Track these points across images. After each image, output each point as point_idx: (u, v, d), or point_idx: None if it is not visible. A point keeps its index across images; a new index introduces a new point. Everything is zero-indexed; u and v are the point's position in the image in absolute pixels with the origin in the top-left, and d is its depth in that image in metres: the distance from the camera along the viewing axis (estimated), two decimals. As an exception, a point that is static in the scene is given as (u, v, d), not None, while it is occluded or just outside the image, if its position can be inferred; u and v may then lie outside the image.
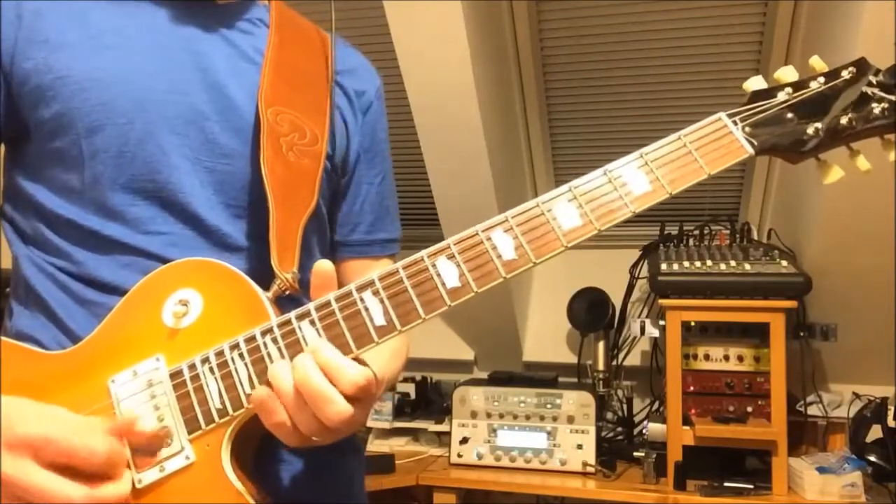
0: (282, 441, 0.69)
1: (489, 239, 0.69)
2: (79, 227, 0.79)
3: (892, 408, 1.90)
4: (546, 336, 2.48)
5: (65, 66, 0.78)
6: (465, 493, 2.00)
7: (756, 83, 0.75)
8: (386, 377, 0.80)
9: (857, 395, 2.05)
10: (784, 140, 0.71)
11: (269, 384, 0.67)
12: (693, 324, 1.93)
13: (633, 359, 2.33)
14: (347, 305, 0.69)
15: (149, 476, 0.68)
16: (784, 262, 1.91)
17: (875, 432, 1.91)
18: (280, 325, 0.69)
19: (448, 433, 2.13)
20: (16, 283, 0.84)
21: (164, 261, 0.77)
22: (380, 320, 0.68)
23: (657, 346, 2.22)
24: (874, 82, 0.73)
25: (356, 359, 0.68)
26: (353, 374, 0.65)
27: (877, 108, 0.71)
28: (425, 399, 2.42)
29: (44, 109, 0.78)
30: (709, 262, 1.94)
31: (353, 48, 0.98)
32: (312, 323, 0.69)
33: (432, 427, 2.25)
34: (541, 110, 2.31)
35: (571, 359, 2.39)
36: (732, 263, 1.92)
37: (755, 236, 2.22)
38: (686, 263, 1.95)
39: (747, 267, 1.90)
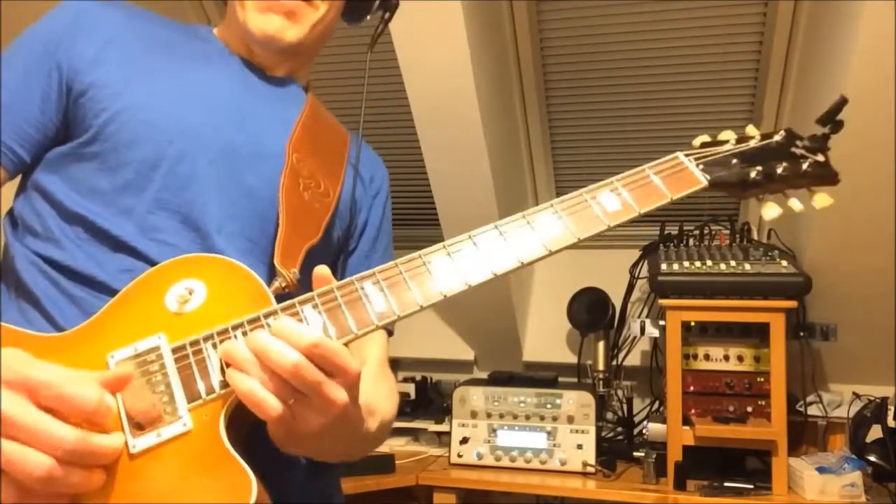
0: (273, 433, 0.69)
1: (484, 243, 0.78)
2: (91, 224, 0.82)
3: (892, 408, 1.90)
4: (546, 336, 2.48)
5: (122, 84, 0.86)
6: (465, 493, 2.00)
7: (702, 139, 0.91)
8: (377, 409, 0.85)
9: (857, 395, 2.05)
10: (731, 178, 0.86)
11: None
12: (693, 324, 1.93)
13: (633, 359, 2.33)
14: (349, 293, 0.73)
15: (145, 441, 0.68)
16: (784, 262, 1.91)
17: (875, 432, 1.91)
18: (284, 309, 0.72)
19: (448, 433, 2.13)
20: (6, 278, 0.86)
21: None
22: (380, 307, 0.72)
23: (657, 346, 2.22)
24: (800, 145, 0.90)
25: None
26: (301, 330, 0.66)
27: (805, 164, 0.88)
28: (425, 399, 2.42)
29: (92, 119, 0.84)
30: (709, 262, 1.94)
31: (367, 144, 1.07)
32: (315, 307, 0.72)
33: (432, 427, 2.26)
34: (541, 110, 2.31)
35: (571, 359, 2.40)
36: (732, 263, 1.92)
37: (755, 236, 2.22)
38: (686, 263, 1.95)
39: (747, 267, 1.90)
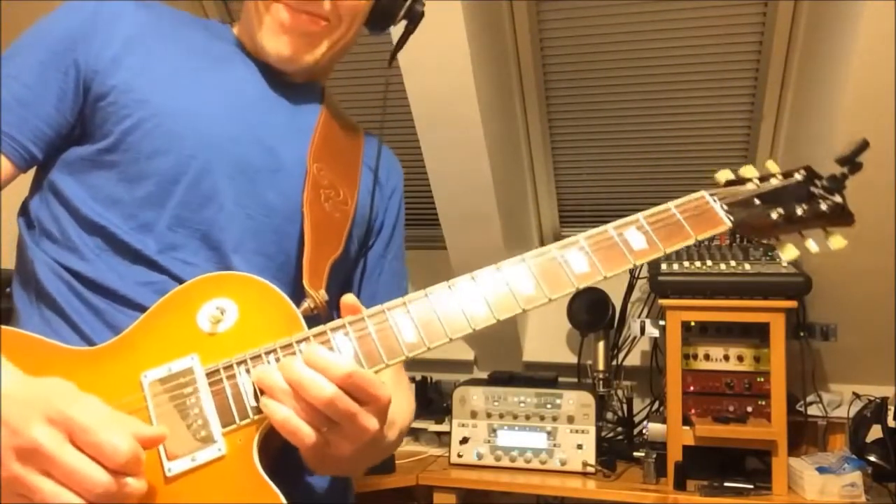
0: (307, 458, 0.71)
1: (508, 276, 0.78)
2: (111, 236, 0.82)
3: (892, 408, 1.90)
4: (546, 336, 2.48)
5: (145, 91, 0.84)
6: (465, 493, 2.00)
7: (725, 175, 0.92)
8: (397, 419, 0.85)
9: (857, 395, 2.05)
10: (753, 220, 0.87)
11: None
12: (693, 324, 1.93)
13: (633, 359, 2.33)
14: (380, 322, 0.74)
15: (179, 465, 0.68)
16: (784, 263, 1.91)
17: (875, 432, 1.91)
18: (316, 335, 0.73)
19: (448, 433, 2.13)
20: (26, 284, 0.85)
21: None
22: (410, 337, 0.74)
23: (657, 346, 2.22)
24: (819, 185, 0.91)
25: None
26: (337, 361, 0.67)
27: (823, 205, 0.89)
28: (425, 399, 2.42)
29: (114, 124, 0.83)
30: (709, 262, 1.94)
31: (385, 145, 1.06)
32: (346, 335, 0.73)
33: (432, 427, 2.25)
34: (541, 110, 2.31)
35: (571, 359, 2.39)
36: (732, 263, 1.92)
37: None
38: (686, 263, 1.95)
39: (747, 267, 1.90)
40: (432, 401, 2.42)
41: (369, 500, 1.88)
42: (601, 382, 2.26)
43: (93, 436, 0.61)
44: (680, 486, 1.82)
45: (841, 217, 0.90)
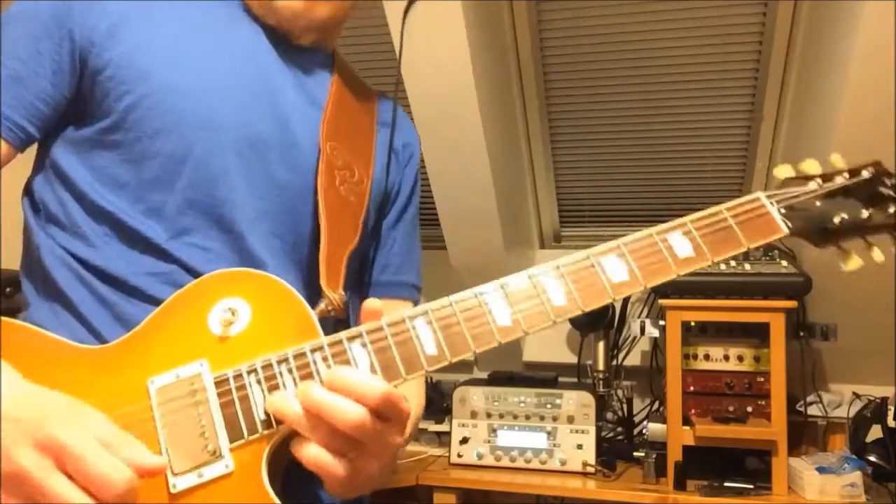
0: (332, 488, 0.67)
1: (539, 283, 0.72)
2: (119, 222, 0.78)
3: (892, 408, 1.90)
4: (546, 336, 2.48)
5: (145, 65, 0.79)
6: (465, 493, 2.00)
7: (785, 171, 0.82)
8: (415, 412, 0.83)
9: (857, 395, 2.05)
10: (812, 225, 0.78)
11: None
12: (693, 324, 1.93)
13: (633, 359, 2.33)
14: (400, 332, 0.70)
15: (185, 481, 0.66)
16: (784, 262, 1.91)
17: (875, 432, 1.91)
18: (331, 344, 0.69)
19: (448, 433, 2.13)
20: (32, 272, 0.82)
21: (197, 275, 0.76)
22: (431, 350, 0.69)
23: (657, 346, 2.22)
24: (889, 184, 0.80)
25: None
26: (372, 384, 0.64)
27: (891, 209, 0.78)
28: (425, 399, 2.41)
29: (114, 101, 0.78)
30: (709, 262, 1.94)
31: (400, 107, 1.02)
32: (364, 345, 0.69)
33: (432, 427, 2.25)
34: (541, 110, 2.31)
35: (571, 359, 2.39)
36: (732, 263, 1.92)
37: (755, 236, 2.22)
38: (686, 263, 1.94)
39: (747, 267, 1.90)
40: (432, 401, 2.42)
41: (369, 500, 1.87)
42: (601, 382, 2.26)
43: (84, 466, 0.58)
44: (680, 486, 1.81)
45: None
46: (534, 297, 0.71)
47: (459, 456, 2.05)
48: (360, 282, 0.98)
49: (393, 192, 0.98)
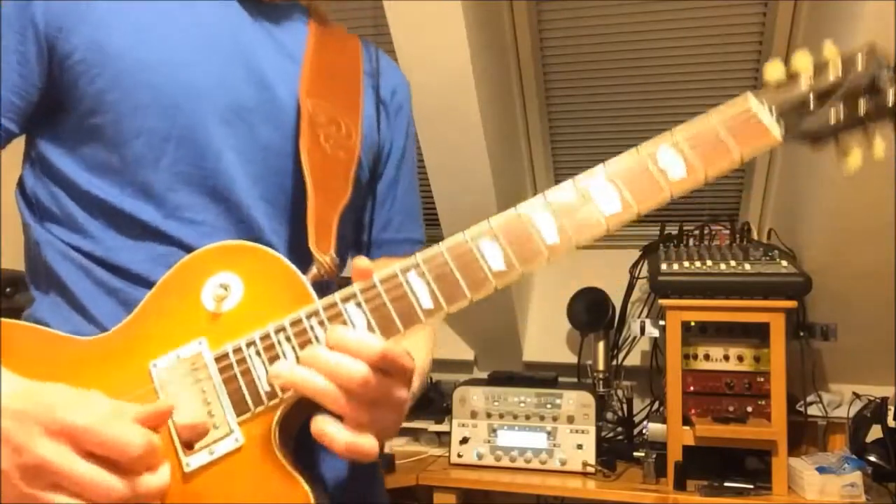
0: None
1: (531, 220, 0.69)
2: (113, 209, 0.78)
3: (892, 408, 1.90)
4: (546, 336, 2.48)
5: (113, 44, 0.77)
6: (465, 493, 2.00)
7: (775, 70, 0.76)
8: (421, 365, 0.81)
9: (857, 395, 2.05)
10: (809, 125, 0.73)
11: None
12: (693, 324, 1.93)
13: (633, 359, 2.33)
14: (393, 287, 0.68)
15: (197, 460, 0.66)
16: (784, 262, 1.91)
17: (875, 432, 1.91)
18: (326, 308, 0.68)
19: (448, 433, 2.13)
20: (34, 269, 0.82)
21: None
22: (427, 302, 0.68)
23: (657, 346, 2.22)
24: (886, 70, 0.74)
25: None
26: (368, 341, 0.64)
27: (892, 95, 0.72)
28: (425, 399, 2.41)
29: (87, 84, 0.77)
30: (709, 262, 1.94)
31: (383, 52, 0.99)
32: (359, 305, 0.68)
33: (432, 427, 2.26)
34: (541, 110, 2.31)
35: (571, 359, 2.39)
36: (732, 263, 1.92)
37: (755, 236, 2.22)
38: (686, 263, 1.95)
39: (747, 267, 1.90)
40: (432, 401, 2.42)
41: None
42: (601, 382, 2.27)
43: (98, 436, 0.59)
44: (680, 486, 1.81)
45: None
46: (525, 233, 0.69)
47: (459, 456, 2.05)
48: (360, 240, 0.96)
49: (386, 147, 0.95)
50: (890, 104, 0.72)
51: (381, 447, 0.71)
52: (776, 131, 0.72)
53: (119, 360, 0.70)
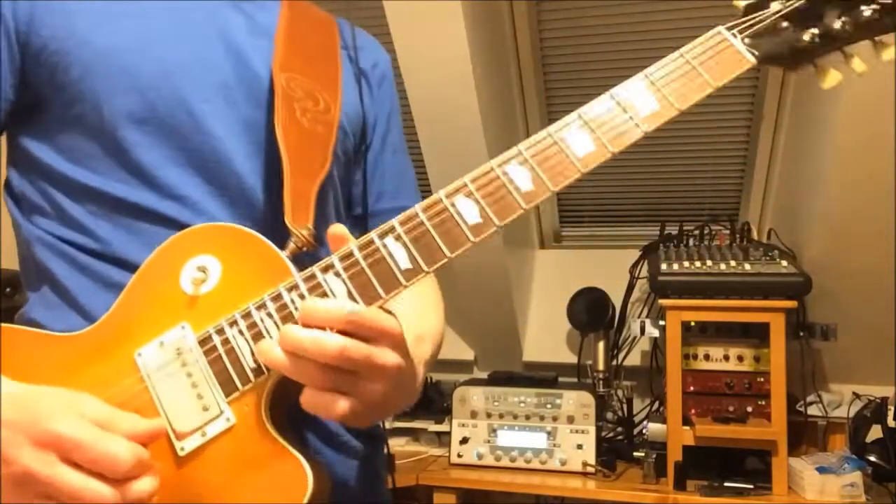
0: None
1: (505, 173, 0.69)
2: (103, 196, 0.77)
3: (892, 408, 1.90)
4: (546, 336, 2.48)
5: (84, 31, 0.77)
6: (465, 493, 2.00)
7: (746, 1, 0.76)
8: (425, 332, 0.80)
9: (857, 395, 2.05)
10: (782, 48, 0.73)
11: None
12: (693, 324, 1.93)
13: (633, 359, 2.33)
14: (371, 253, 0.68)
15: (191, 443, 0.67)
16: (784, 262, 1.91)
17: (875, 432, 1.91)
18: (305, 280, 0.68)
19: (448, 433, 2.13)
20: (26, 268, 0.81)
21: None
22: (405, 264, 0.67)
23: (657, 346, 2.22)
24: None
25: (385, 310, 0.67)
26: (332, 307, 0.64)
27: (867, 11, 0.72)
28: (425, 399, 2.41)
29: (62, 75, 0.77)
30: (709, 262, 1.94)
31: (361, 29, 0.99)
32: (338, 274, 0.68)
33: (432, 427, 2.25)
34: (541, 110, 2.31)
35: (571, 359, 2.39)
36: (732, 263, 1.92)
37: (755, 236, 2.22)
38: (686, 263, 1.95)
39: (747, 267, 1.90)
40: (432, 401, 2.42)
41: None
42: (601, 382, 2.26)
43: (87, 452, 0.59)
44: (680, 486, 1.81)
45: (891, 21, 0.72)
46: (501, 188, 0.69)
47: (459, 456, 2.05)
48: (356, 215, 0.96)
49: (371, 119, 0.95)
50: (865, 19, 0.72)
51: (382, 420, 0.70)
52: (748, 56, 0.73)
53: (105, 352, 0.71)
